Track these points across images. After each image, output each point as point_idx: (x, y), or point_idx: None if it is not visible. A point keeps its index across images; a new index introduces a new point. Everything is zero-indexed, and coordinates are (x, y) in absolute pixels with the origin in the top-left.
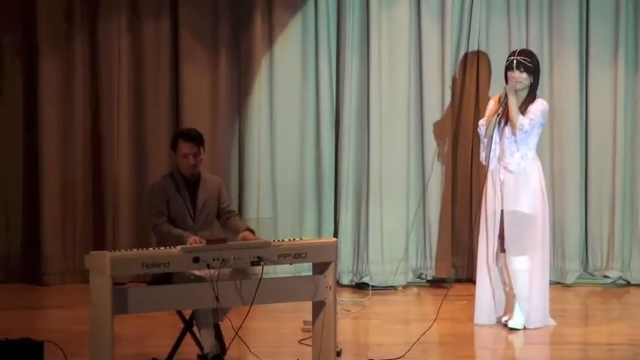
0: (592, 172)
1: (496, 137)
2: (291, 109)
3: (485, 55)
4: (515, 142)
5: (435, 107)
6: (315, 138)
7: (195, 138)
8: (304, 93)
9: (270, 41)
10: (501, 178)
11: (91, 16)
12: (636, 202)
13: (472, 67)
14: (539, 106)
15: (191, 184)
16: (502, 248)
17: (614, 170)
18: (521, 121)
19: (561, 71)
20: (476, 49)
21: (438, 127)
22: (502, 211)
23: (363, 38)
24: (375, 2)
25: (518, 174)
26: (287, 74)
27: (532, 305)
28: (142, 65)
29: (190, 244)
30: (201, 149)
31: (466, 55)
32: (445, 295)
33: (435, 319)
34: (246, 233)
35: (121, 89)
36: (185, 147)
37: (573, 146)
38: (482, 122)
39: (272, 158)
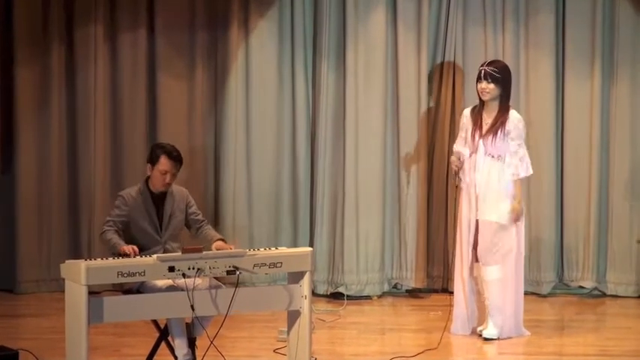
0: (567, 182)
1: (470, 149)
2: (268, 120)
3: (461, 65)
4: (502, 161)
5: (411, 118)
6: (291, 148)
7: (177, 158)
8: (280, 103)
9: (247, 52)
10: (477, 191)
11: (67, 26)
12: (611, 213)
13: (448, 78)
14: (515, 132)
15: (158, 197)
16: (477, 258)
17: (590, 181)
18: (516, 170)
19: (537, 82)
20: (452, 59)
21: (413, 137)
22: (477, 222)
23: (340, 48)
24: (352, 12)
25: (501, 187)
26: (263, 84)
27: (505, 315)
28: (119, 75)
29: (124, 251)
30: (179, 169)
31: (442, 65)
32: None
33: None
34: (219, 243)
35: (98, 99)
36: (167, 165)
37: (549, 157)
38: (455, 147)
39: (248, 168)
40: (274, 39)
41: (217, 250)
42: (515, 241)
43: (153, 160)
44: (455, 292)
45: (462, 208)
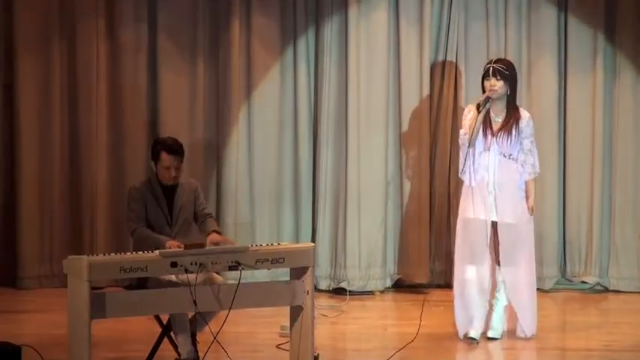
0: (570, 178)
1: (479, 147)
2: (270, 115)
3: (463, 61)
4: (514, 160)
5: (414, 113)
6: (294, 143)
7: (178, 151)
8: (283, 99)
9: (249, 48)
10: (490, 190)
11: (69, 21)
12: (614, 209)
13: (450, 73)
14: (528, 130)
15: (168, 190)
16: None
17: (593, 177)
18: (533, 169)
19: (540, 78)
20: (454, 54)
21: (416, 132)
22: (493, 223)
23: (342, 44)
24: (354, 8)
25: (515, 187)
26: (265, 80)
27: (531, 313)
28: (120, 70)
29: (169, 248)
30: (183, 160)
31: (444, 60)
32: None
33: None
34: (214, 235)
35: (99, 94)
36: (168, 160)
37: (551, 153)
38: (463, 132)
39: (250, 164)
40: (276, 34)
41: (212, 242)
42: (529, 240)
43: (155, 157)
44: (457, 293)
45: (476, 207)
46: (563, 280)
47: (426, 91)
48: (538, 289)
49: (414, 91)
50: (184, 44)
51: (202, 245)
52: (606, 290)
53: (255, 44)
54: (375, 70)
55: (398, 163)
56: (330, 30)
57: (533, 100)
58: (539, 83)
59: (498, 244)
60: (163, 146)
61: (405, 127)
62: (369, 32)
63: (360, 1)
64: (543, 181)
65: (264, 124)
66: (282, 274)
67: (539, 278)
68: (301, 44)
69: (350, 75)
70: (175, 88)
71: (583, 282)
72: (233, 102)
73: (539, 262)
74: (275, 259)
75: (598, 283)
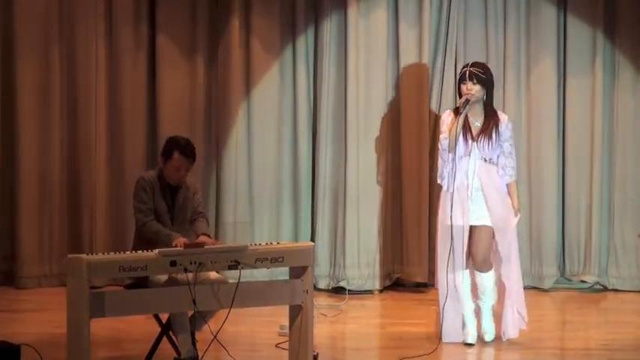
0: (569, 177)
1: (460, 152)
2: (269, 115)
3: (462, 61)
4: (494, 164)
5: (413, 114)
6: (293, 143)
7: (190, 154)
8: (282, 98)
9: (248, 47)
10: (470, 194)
11: (68, 21)
12: (613, 208)
13: (449, 73)
14: (507, 133)
15: (172, 186)
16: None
17: (592, 176)
18: (513, 172)
19: (539, 78)
20: (453, 54)
21: (415, 133)
22: (471, 227)
23: (341, 44)
24: (353, 8)
25: (497, 190)
26: (265, 80)
27: (515, 314)
28: (119, 70)
29: (176, 245)
30: (193, 164)
31: (444, 60)
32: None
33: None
34: (204, 239)
35: (99, 94)
36: (180, 160)
37: (551, 152)
38: (444, 136)
39: (249, 163)
40: (275, 33)
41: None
42: (515, 241)
43: (166, 154)
44: (441, 301)
45: (453, 213)
46: (563, 280)
47: (426, 90)
48: (537, 288)
49: (413, 89)
50: (183, 44)
51: (202, 245)
52: (605, 289)
53: (255, 43)
54: (374, 69)
55: (397, 163)
56: (329, 29)
57: (533, 100)
58: (538, 84)
59: (474, 249)
60: (177, 146)
61: (404, 127)
62: (368, 32)
63: (359, 1)
64: (542, 181)
65: (264, 123)
66: (282, 273)
67: (539, 277)
68: (300, 43)
69: (349, 75)
70: (175, 87)
71: (582, 281)
72: (232, 101)
73: (539, 261)
74: (274, 259)
75: (597, 283)
